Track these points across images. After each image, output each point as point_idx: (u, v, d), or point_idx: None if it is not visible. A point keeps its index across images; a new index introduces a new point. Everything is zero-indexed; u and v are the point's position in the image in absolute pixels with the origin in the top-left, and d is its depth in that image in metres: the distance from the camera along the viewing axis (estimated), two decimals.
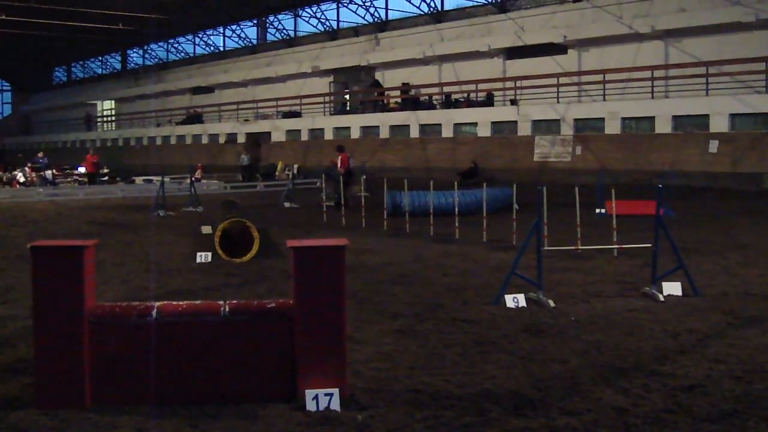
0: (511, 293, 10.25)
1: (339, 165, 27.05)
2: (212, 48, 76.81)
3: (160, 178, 28.87)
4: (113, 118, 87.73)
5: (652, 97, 37.15)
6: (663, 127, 35.67)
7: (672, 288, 10.76)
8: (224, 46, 75.67)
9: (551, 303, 10.08)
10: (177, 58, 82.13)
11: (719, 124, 33.68)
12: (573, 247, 13.47)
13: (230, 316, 6.47)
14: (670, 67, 38.13)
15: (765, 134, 32.15)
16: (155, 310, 6.48)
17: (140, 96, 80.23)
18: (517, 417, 6.12)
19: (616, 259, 13.90)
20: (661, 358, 7.69)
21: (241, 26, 71.53)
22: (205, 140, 64.09)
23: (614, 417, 6.10)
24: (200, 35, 76.85)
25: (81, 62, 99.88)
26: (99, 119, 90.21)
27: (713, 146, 33.36)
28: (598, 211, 20.56)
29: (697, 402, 6.42)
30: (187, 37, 78.52)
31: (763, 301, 10.37)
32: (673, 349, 8.03)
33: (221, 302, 6.61)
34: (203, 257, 14.31)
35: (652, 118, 36.28)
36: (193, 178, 30.82)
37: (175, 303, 6.67)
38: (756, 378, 7.04)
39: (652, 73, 37.40)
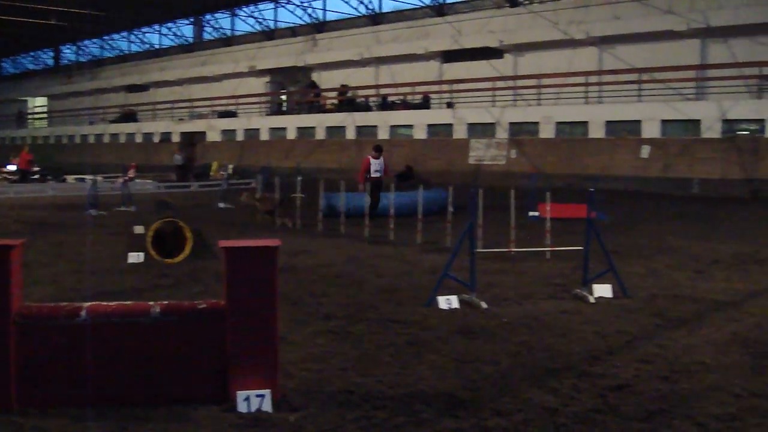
0: (444, 295, 10.30)
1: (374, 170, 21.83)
2: (147, 46, 76.00)
3: (92, 176, 28.45)
4: (45, 115, 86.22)
5: (586, 103, 37.75)
6: (596, 132, 36.22)
7: (602, 290, 10.92)
8: (160, 44, 74.96)
9: (484, 305, 10.16)
10: (111, 55, 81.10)
11: (651, 130, 34.31)
12: (506, 250, 13.59)
13: (161, 317, 6.39)
14: (604, 73, 38.79)
15: (695, 140, 32.82)
16: (84, 310, 6.37)
17: (73, 93, 79.09)
18: (449, 417, 6.15)
19: (549, 262, 14.06)
20: (591, 359, 7.80)
21: (177, 24, 70.96)
22: (139, 139, 63.37)
23: (544, 417, 6.17)
24: (135, 32, 75.96)
25: (11, 57, 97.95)
26: (30, 116, 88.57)
27: (645, 151, 33.97)
28: (531, 214, 20.73)
29: (625, 401, 6.52)
30: (122, 34, 77.56)
31: (691, 302, 10.58)
32: (602, 350, 8.15)
33: (152, 303, 6.53)
34: (135, 257, 14.13)
35: (585, 123, 36.81)
36: (126, 178, 30.41)
37: (104, 304, 6.57)
38: (682, 378, 7.19)
39: (587, 79, 38.00)
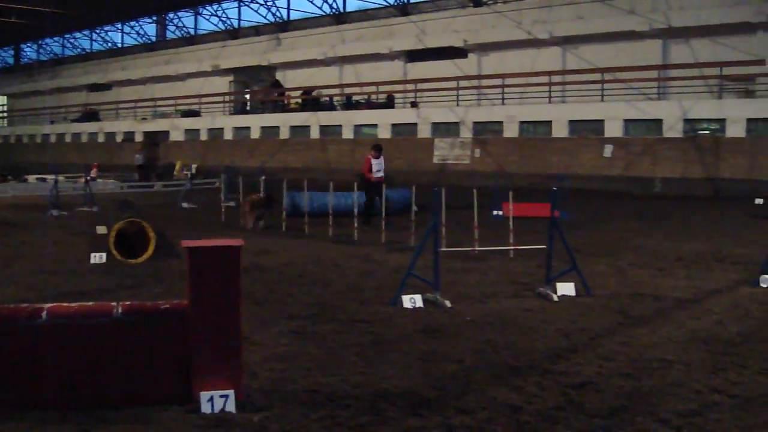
0: (408, 294, 10.30)
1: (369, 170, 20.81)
2: (110, 44, 75.33)
3: (53, 176, 28.16)
4: (5, 114, 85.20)
5: (550, 102, 37.93)
6: (560, 131, 36.46)
7: (565, 288, 10.98)
8: (122, 43, 74.35)
9: (448, 303, 10.17)
10: (73, 54, 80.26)
11: (614, 129, 34.60)
12: (470, 248, 13.62)
13: (123, 317, 6.32)
14: (567, 73, 39.07)
15: (657, 140, 33.13)
16: (45, 311, 6.29)
17: (34, 92, 78.28)
18: (414, 416, 6.15)
19: (512, 260, 14.11)
20: (554, 357, 7.84)
21: (140, 23, 70.40)
22: (101, 138, 62.82)
23: (508, 415, 6.19)
24: (98, 31, 75.24)
25: None
26: None
27: (608, 150, 34.26)
28: (494, 213, 20.81)
29: (588, 399, 6.56)
30: (84, 32, 76.73)
31: (653, 300, 10.67)
32: (565, 348, 8.19)
33: (114, 303, 6.47)
34: (98, 258, 14.00)
35: (549, 123, 37.04)
36: (88, 177, 30.12)
37: (66, 304, 6.50)
38: (644, 375, 7.24)
39: (550, 79, 38.20)
